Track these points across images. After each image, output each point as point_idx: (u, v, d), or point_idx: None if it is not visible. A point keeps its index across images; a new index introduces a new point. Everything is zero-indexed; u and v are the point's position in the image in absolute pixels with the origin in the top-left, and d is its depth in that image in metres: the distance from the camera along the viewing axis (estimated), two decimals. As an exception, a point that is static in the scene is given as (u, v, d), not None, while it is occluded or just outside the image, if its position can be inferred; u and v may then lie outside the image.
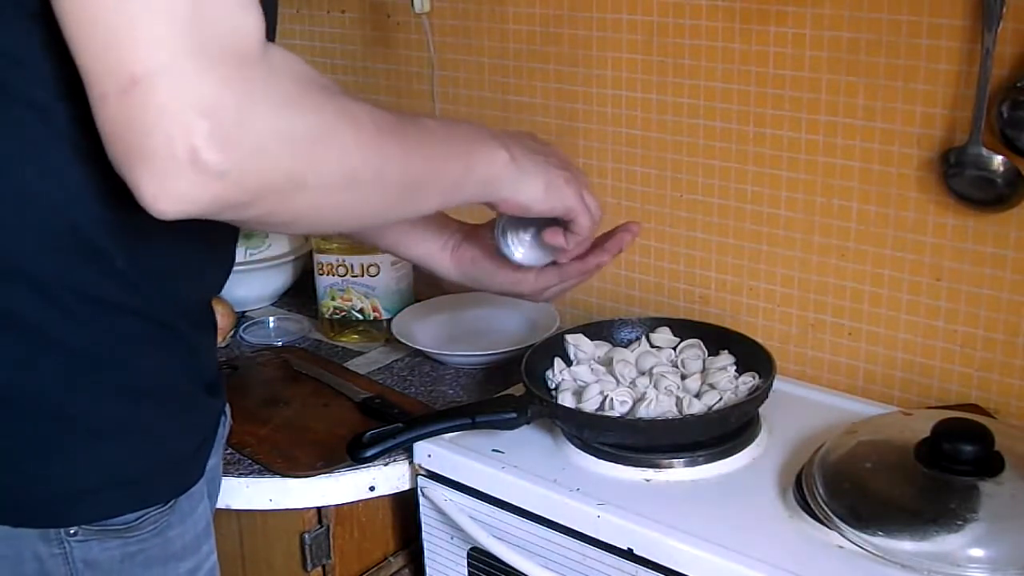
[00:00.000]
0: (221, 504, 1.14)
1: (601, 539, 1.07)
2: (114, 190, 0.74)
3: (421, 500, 1.23)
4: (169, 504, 0.90)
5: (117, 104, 0.68)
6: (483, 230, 1.16)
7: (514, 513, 1.14)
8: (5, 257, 0.78)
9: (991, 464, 1.02)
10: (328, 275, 1.55)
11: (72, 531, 0.85)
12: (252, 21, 0.72)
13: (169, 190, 0.69)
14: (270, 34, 0.95)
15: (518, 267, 1.11)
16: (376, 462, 1.21)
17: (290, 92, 0.73)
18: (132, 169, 0.69)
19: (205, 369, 0.95)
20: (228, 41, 0.70)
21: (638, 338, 1.31)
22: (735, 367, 1.23)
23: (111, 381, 0.85)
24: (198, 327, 0.94)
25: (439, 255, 1.17)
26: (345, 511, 1.25)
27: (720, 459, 1.14)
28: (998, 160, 1.15)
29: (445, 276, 1.19)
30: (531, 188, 0.98)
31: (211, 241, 0.92)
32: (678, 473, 1.13)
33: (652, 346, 1.29)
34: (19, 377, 0.82)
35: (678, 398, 1.18)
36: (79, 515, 0.86)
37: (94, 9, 0.68)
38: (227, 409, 1.04)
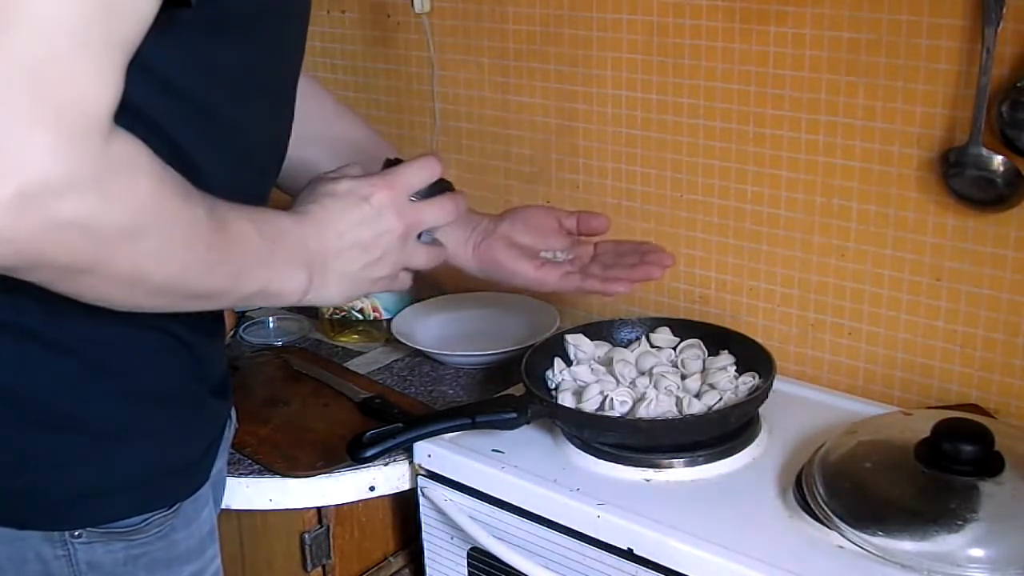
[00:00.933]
0: (221, 504, 1.14)
1: (601, 539, 1.07)
2: None
3: (421, 500, 1.22)
4: (174, 508, 0.90)
5: None
6: (504, 226, 1.18)
7: (514, 513, 1.13)
8: None
9: (991, 464, 1.02)
10: (328, 275, 1.55)
11: (76, 533, 0.85)
12: (105, 94, 0.67)
13: None
14: (296, 64, 0.94)
15: (538, 267, 1.17)
16: (376, 462, 1.21)
17: (114, 184, 0.68)
18: None
19: (212, 373, 0.95)
20: (72, 108, 0.65)
21: (638, 338, 1.31)
22: (735, 367, 1.23)
23: (117, 386, 0.85)
24: (207, 334, 0.94)
25: (460, 249, 1.17)
26: (345, 511, 1.25)
27: (720, 459, 1.14)
28: (998, 160, 1.15)
29: (463, 269, 1.19)
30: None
31: None
32: (678, 473, 1.13)
33: (652, 346, 1.29)
34: (25, 381, 0.82)
35: (678, 398, 1.18)
36: (84, 518, 0.86)
37: None
38: (232, 412, 1.04)
